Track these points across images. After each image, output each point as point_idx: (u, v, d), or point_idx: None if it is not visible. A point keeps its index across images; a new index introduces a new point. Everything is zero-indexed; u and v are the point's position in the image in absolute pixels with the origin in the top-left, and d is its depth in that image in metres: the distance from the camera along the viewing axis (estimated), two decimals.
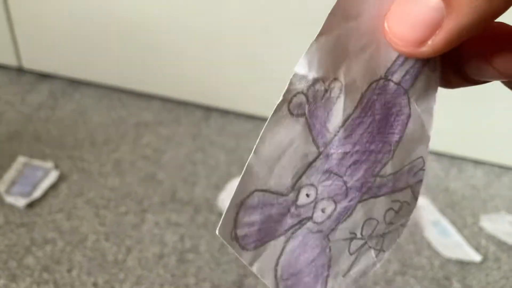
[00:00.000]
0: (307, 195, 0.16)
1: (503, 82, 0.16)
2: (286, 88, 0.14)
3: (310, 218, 0.16)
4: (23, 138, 0.79)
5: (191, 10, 0.80)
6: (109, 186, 0.73)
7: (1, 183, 0.70)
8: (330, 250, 0.17)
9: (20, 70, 0.95)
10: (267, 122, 0.15)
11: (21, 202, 0.67)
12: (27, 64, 0.94)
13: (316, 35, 0.14)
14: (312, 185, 0.16)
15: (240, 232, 0.15)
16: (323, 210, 0.17)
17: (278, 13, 0.76)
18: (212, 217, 0.70)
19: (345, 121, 0.16)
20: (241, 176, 0.15)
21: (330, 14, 0.14)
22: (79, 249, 0.63)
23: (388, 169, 0.17)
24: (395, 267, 0.66)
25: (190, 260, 0.64)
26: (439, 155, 0.87)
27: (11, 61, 0.94)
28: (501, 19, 0.14)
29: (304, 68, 0.14)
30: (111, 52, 0.88)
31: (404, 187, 0.18)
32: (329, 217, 0.17)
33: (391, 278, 0.65)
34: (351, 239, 0.18)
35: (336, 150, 0.16)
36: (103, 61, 0.90)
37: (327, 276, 0.17)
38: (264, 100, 0.86)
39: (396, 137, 0.17)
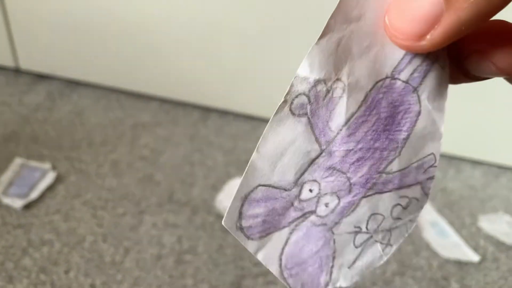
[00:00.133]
0: (310, 190, 0.16)
1: (505, 78, 0.16)
2: (287, 90, 0.15)
3: (313, 212, 0.17)
4: (20, 139, 0.79)
5: (189, 11, 0.79)
6: (107, 187, 0.73)
7: None
8: (334, 242, 0.18)
9: (17, 71, 0.95)
10: (269, 122, 0.15)
11: (18, 203, 0.67)
12: (24, 64, 0.94)
13: (317, 39, 0.15)
14: (315, 181, 0.16)
15: (245, 223, 0.16)
16: (326, 205, 0.17)
17: (277, 13, 0.76)
18: (210, 218, 0.69)
19: (348, 119, 0.16)
20: (244, 171, 0.15)
21: (330, 18, 0.15)
22: (77, 250, 0.63)
23: (395, 166, 0.17)
24: (394, 267, 0.66)
25: (188, 261, 0.64)
26: None
27: (8, 61, 0.93)
28: (500, 16, 0.14)
29: (305, 70, 0.15)
30: (108, 53, 0.88)
31: (413, 184, 0.18)
32: (332, 211, 0.17)
33: (390, 278, 0.65)
34: (356, 232, 0.18)
35: (339, 148, 0.16)
36: (100, 62, 0.90)
37: (332, 266, 0.18)
38: (262, 101, 0.86)
39: (403, 135, 0.17)
